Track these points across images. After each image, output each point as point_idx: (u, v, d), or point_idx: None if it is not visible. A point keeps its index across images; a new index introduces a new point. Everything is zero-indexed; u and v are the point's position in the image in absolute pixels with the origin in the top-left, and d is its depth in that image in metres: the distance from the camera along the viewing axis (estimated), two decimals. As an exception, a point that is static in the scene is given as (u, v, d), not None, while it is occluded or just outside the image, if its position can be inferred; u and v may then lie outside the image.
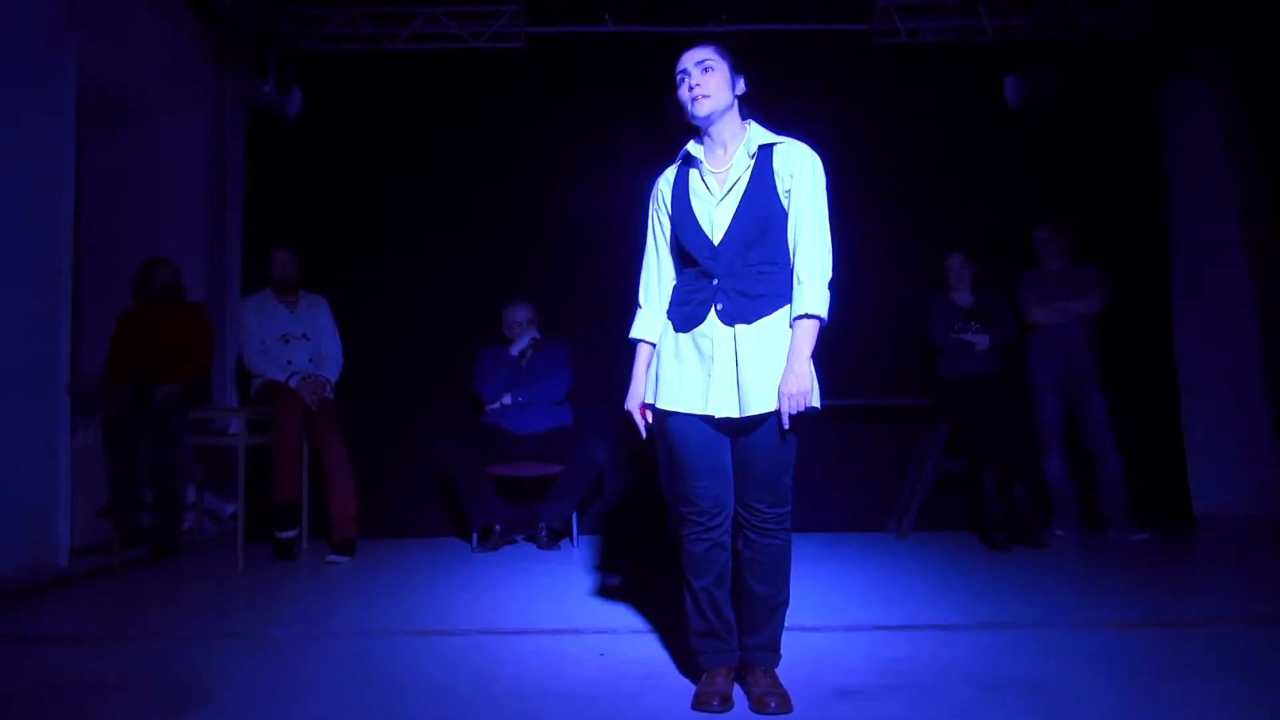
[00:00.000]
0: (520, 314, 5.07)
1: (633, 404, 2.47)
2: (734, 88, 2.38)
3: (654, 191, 2.51)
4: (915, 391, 5.20)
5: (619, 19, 5.43)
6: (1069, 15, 5.33)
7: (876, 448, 5.34)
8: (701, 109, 2.35)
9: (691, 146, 2.44)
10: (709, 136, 2.41)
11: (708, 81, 2.34)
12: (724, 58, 2.37)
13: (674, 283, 2.47)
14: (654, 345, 2.47)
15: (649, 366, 2.47)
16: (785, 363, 2.28)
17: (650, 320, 2.48)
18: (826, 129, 5.04)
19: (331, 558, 4.48)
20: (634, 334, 2.50)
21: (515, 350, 5.00)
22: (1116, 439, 4.85)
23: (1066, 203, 5.32)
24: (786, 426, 2.26)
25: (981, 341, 4.90)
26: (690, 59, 2.37)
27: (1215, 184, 5.74)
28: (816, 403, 2.30)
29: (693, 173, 2.44)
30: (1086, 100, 5.42)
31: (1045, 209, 5.20)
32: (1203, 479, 5.43)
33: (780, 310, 2.32)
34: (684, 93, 2.37)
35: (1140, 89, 5.58)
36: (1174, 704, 2.27)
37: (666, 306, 2.46)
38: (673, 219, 2.43)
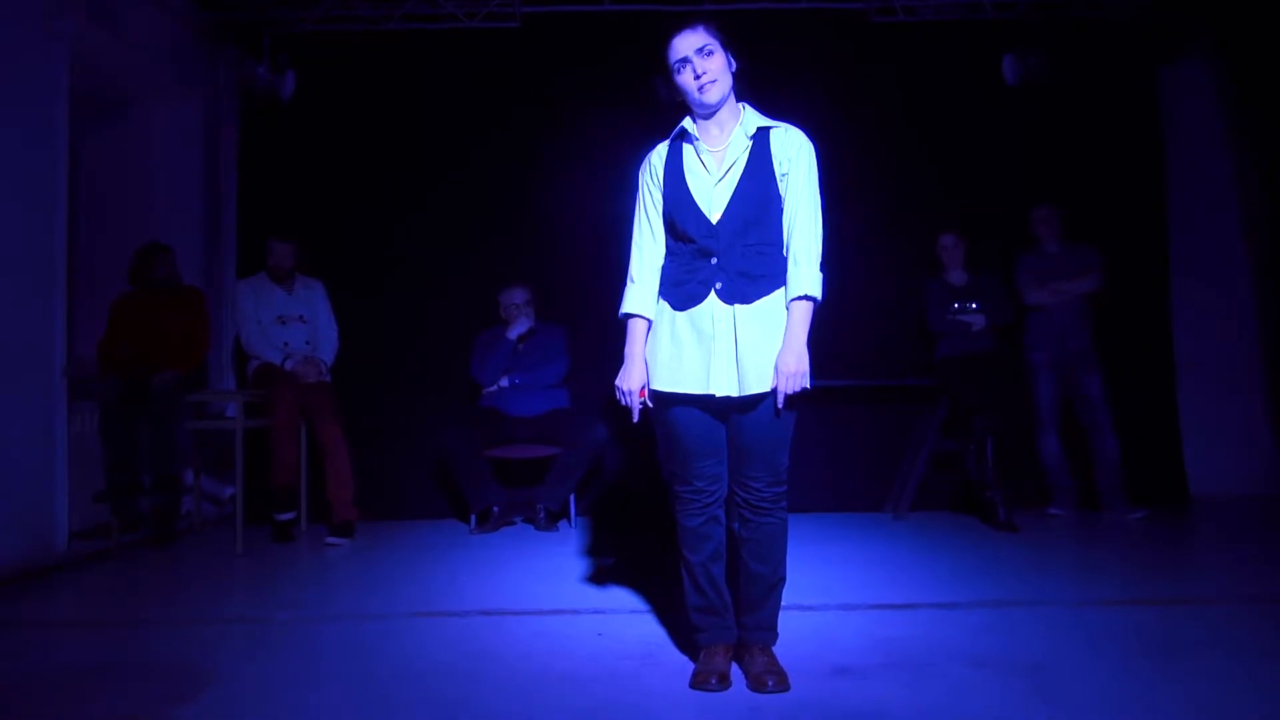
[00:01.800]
0: (517, 296, 5.06)
1: (632, 383, 2.39)
2: (730, 67, 2.36)
3: (645, 166, 2.46)
4: (912, 372, 5.21)
5: (615, -3, 5.40)
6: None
7: (874, 428, 5.35)
8: (712, 96, 2.32)
9: (687, 123, 2.41)
10: (706, 118, 2.38)
11: (711, 66, 2.31)
12: (718, 38, 2.35)
13: (664, 259, 2.43)
14: (649, 321, 2.42)
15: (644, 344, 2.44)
16: (783, 342, 2.28)
17: (644, 295, 2.43)
18: (824, 108, 5.07)
19: (330, 540, 4.49)
20: (627, 309, 2.43)
21: (513, 333, 5.00)
22: (1113, 419, 4.86)
23: (1065, 182, 5.30)
24: (782, 405, 2.27)
25: (977, 321, 4.92)
26: (688, 45, 2.32)
27: (1214, 164, 5.72)
28: (808, 382, 2.31)
29: (687, 149, 2.41)
30: (1085, 79, 5.39)
31: (1043, 189, 5.19)
32: (1198, 458, 5.45)
33: (777, 291, 2.33)
34: (687, 80, 2.32)
35: (1139, 68, 5.56)
36: (1170, 681, 2.28)
37: (658, 283, 2.43)
38: (666, 195, 2.40)
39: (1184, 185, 5.65)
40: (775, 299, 2.32)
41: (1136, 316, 5.39)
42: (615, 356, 2.47)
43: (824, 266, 2.33)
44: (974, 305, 4.93)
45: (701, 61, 2.31)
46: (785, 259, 2.34)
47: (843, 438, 5.30)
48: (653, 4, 5.34)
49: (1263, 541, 4.43)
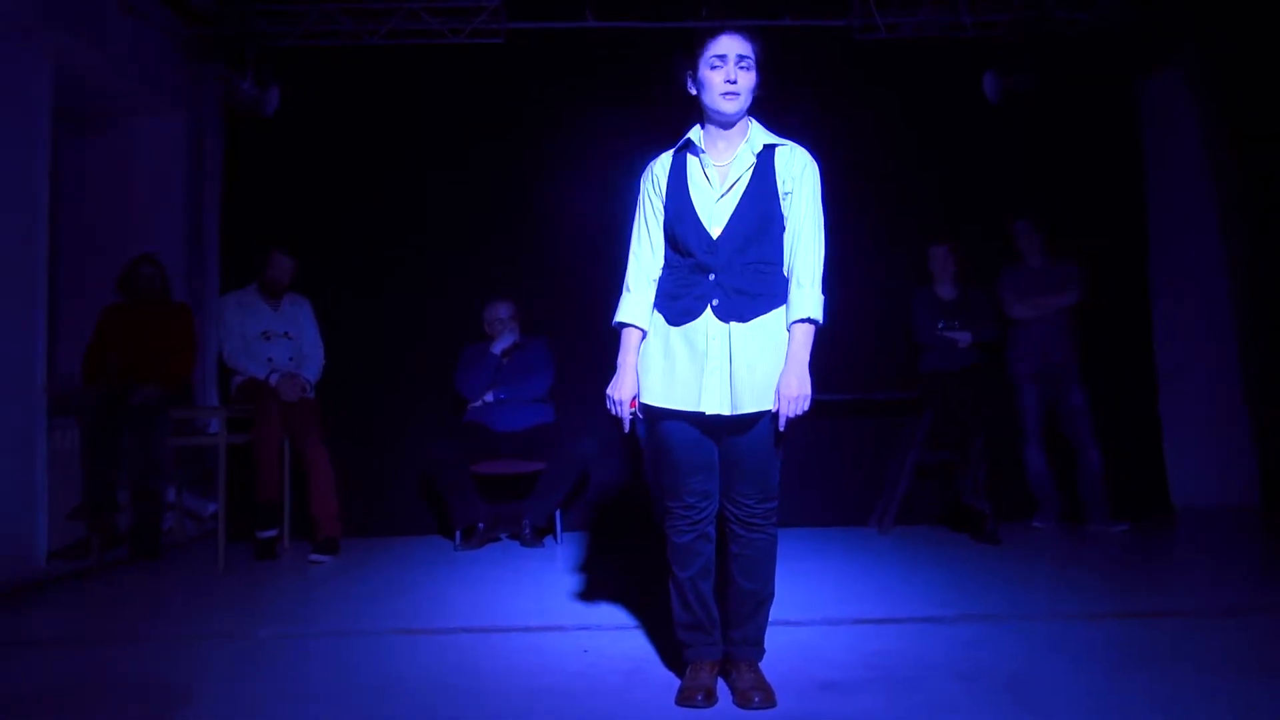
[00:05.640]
0: (502, 311, 5.06)
1: (623, 393, 2.37)
2: (755, 89, 2.34)
3: (648, 174, 2.43)
4: (896, 385, 5.22)
5: (599, 14, 5.42)
6: (1047, 10, 5.36)
7: (858, 442, 5.36)
8: (731, 107, 2.29)
9: (694, 134, 2.39)
10: (716, 128, 2.36)
11: (743, 80, 2.28)
12: (758, 59, 2.31)
13: (661, 271, 2.41)
14: (643, 331, 2.39)
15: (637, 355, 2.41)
16: (783, 364, 2.27)
17: (639, 305, 2.39)
18: (806, 125, 5.05)
19: (314, 557, 4.46)
20: (622, 318, 2.40)
21: (497, 348, 4.99)
22: (1096, 431, 4.90)
23: (1046, 197, 5.35)
24: (783, 429, 2.27)
25: (963, 338, 4.95)
26: (732, 47, 2.29)
27: (1193, 177, 5.78)
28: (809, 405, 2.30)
29: (691, 161, 2.39)
30: (1065, 95, 5.45)
31: (1025, 204, 5.24)
32: (1181, 470, 5.48)
33: (775, 310, 2.31)
34: (715, 78, 2.28)
35: (1119, 83, 5.63)
36: (1153, 695, 2.29)
37: (654, 294, 2.40)
38: (668, 207, 2.37)
39: (1164, 197, 5.70)
40: (771, 318, 2.30)
41: (1118, 329, 5.44)
42: (602, 371, 2.47)
43: (823, 288, 2.32)
44: (960, 322, 4.96)
45: (735, 70, 2.28)
46: (783, 278, 2.33)
47: (827, 452, 5.30)
48: (637, 21, 5.38)
49: (1244, 553, 4.47)
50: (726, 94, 2.29)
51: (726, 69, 2.28)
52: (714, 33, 2.32)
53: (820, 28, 5.50)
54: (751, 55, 2.31)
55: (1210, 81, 5.70)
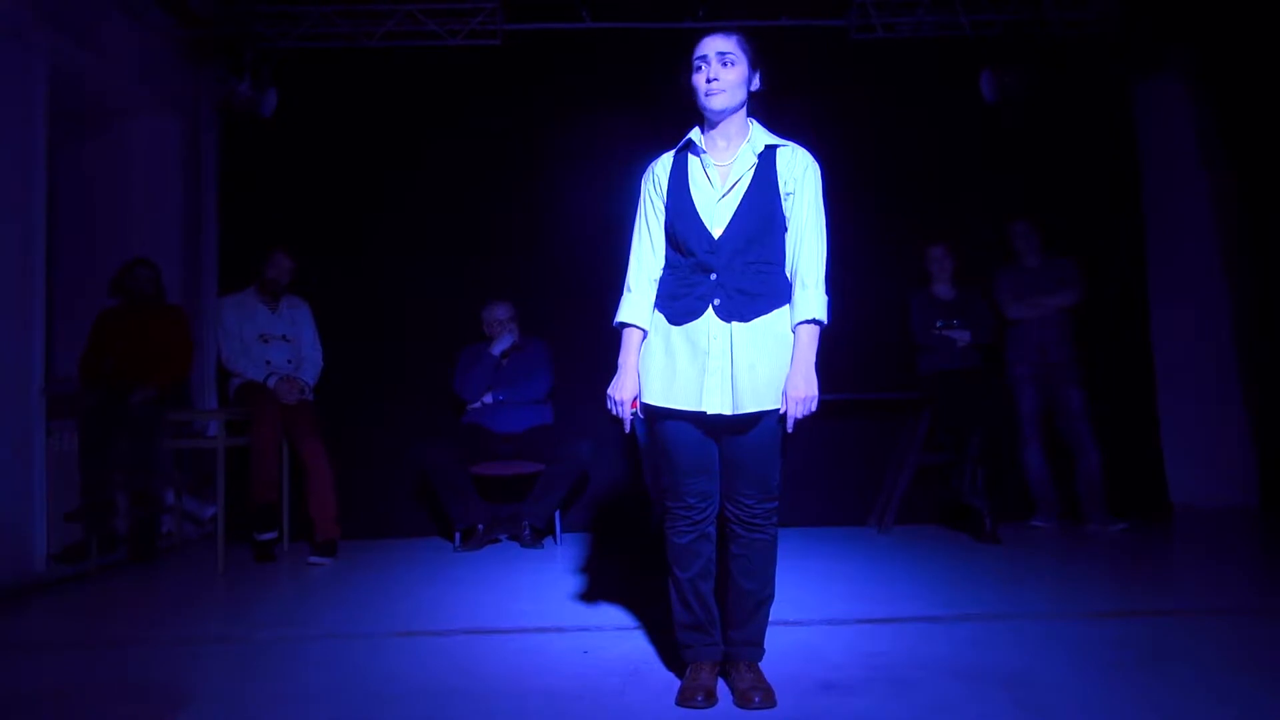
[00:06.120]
0: (500, 312, 5.05)
1: (624, 393, 2.37)
2: (749, 84, 2.35)
3: (649, 175, 2.44)
4: (896, 385, 5.22)
5: (596, 15, 5.42)
6: (1044, 11, 5.37)
7: (858, 442, 5.35)
8: (716, 103, 2.31)
9: (695, 134, 2.40)
10: (713, 129, 2.37)
11: (725, 75, 2.30)
12: (745, 53, 2.33)
13: (662, 271, 2.41)
14: (644, 331, 2.39)
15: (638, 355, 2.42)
16: (789, 365, 2.28)
17: (640, 305, 2.40)
18: (803, 125, 5.06)
19: (313, 559, 4.46)
20: (623, 318, 2.40)
21: (496, 349, 4.99)
22: (1094, 431, 4.90)
23: (1043, 198, 5.36)
24: (791, 430, 2.27)
25: (963, 337, 4.95)
26: (712, 47, 2.32)
27: (1190, 178, 5.78)
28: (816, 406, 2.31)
29: (693, 161, 2.40)
30: (1062, 96, 5.45)
31: (1022, 204, 5.24)
32: (1179, 470, 5.48)
33: (776, 311, 2.31)
34: (699, 80, 2.32)
35: (1115, 84, 5.63)
36: (1152, 693, 2.30)
37: (655, 294, 2.40)
38: (669, 207, 2.38)
39: (1161, 197, 5.71)
40: (772, 318, 2.31)
41: (1116, 329, 5.44)
42: (602, 372, 2.47)
43: (827, 289, 2.32)
44: (957, 322, 4.96)
45: (717, 67, 2.30)
46: (785, 278, 2.34)
47: (827, 451, 5.29)
48: (634, 21, 5.38)
49: (1241, 553, 4.47)
50: (709, 92, 2.31)
51: (708, 69, 2.31)
52: (698, 38, 2.36)
53: (817, 27, 5.51)
54: (735, 50, 2.32)
55: (1206, 82, 5.70)
